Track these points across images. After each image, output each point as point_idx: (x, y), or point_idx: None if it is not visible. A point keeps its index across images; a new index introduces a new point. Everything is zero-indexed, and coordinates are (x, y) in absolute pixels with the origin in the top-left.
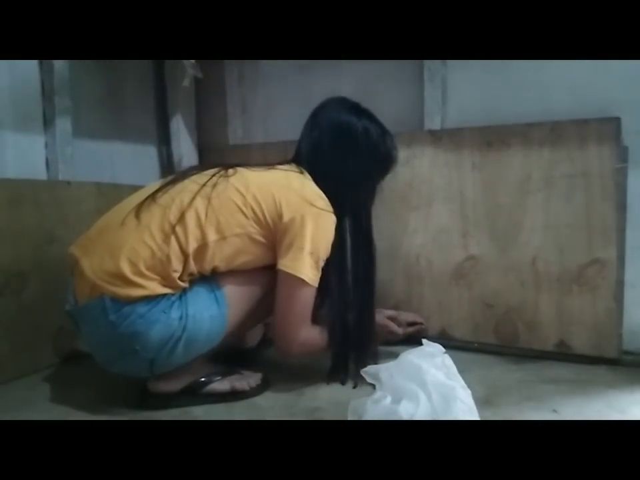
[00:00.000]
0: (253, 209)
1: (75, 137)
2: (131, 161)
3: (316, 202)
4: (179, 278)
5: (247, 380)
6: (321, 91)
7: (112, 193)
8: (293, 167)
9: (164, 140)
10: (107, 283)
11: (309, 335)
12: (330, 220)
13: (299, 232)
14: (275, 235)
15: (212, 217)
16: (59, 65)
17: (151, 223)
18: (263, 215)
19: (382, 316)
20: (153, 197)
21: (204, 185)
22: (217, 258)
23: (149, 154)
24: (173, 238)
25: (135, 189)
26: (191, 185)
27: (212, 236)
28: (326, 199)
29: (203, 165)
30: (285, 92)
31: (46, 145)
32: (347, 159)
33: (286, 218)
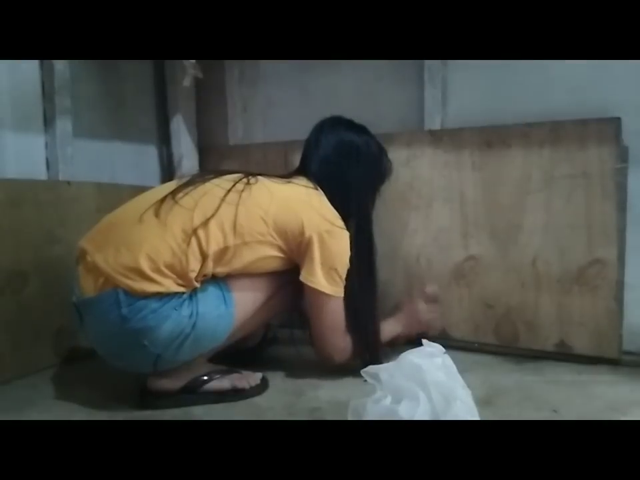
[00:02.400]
0: (274, 221)
1: (75, 137)
2: (131, 161)
3: (334, 221)
4: (195, 277)
5: (247, 379)
6: (320, 91)
7: (112, 193)
8: (306, 181)
9: (164, 140)
10: (123, 276)
11: (347, 342)
12: (347, 237)
13: (322, 249)
14: (295, 247)
15: (235, 222)
16: (59, 65)
17: (172, 223)
18: (284, 228)
19: (411, 299)
20: (173, 197)
21: (229, 190)
22: (236, 261)
23: (149, 154)
24: (194, 239)
25: (135, 188)
26: (214, 188)
27: (233, 240)
28: (340, 217)
29: (218, 170)
30: (285, 92)
31: (46, 145)
32: (353, 172)
33: (307, 234)
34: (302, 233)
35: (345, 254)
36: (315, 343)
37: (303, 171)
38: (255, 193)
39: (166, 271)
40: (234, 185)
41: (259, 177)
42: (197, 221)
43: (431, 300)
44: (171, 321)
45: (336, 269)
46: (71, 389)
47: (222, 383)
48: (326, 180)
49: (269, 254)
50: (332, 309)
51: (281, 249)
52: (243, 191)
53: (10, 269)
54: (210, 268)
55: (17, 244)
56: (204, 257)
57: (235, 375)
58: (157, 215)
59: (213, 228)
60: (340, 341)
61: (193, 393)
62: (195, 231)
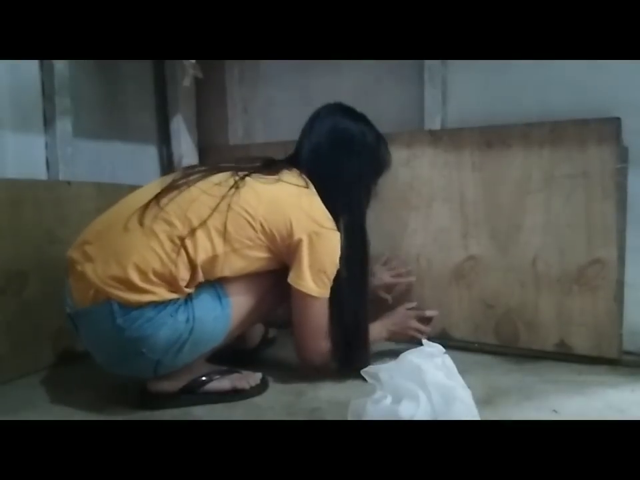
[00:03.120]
0: (262, 224)
1: (75, 137)
2: (131, 161)
3: (324, 222)
4: (186, 285)
5: (247, 379)
6: (320, 91)
7: (112, 193)
8: (297, 177)
9: (164, 140)
10: (114, 289)
11: (327, 345)
12: (336, 239)
13: (310, 251)
14: (283, 249)
15: (222, 230)
16: (60, 65)
17: (158, 232)
18: (271, 230)
19: (406, 313)
20: (157, 202)
21: (221, 199)
22: (226, 268)
23: (149, 154)
24: (182, 249)
25: (135, 189)
26: (201, 195)
27: (221, 248)
28: (331, 217)
29: (204, 168)
30: (285, 92)
31: (46, 145)
32: (345, 162)
33: (296, 237)
34: (290, 235)
35: (334, 255)
36: (296, 344)
37: (294, 158)
38: (243, 197)
39: (156, 280)
40: (225, 193)
41: (247, 178)
42: (185, 230)
43: (425, 321)
44: (167, 328)
45: (325, 272)
46: (70, 389)
47: (222, 383)
48: (316, 169)
49: (258, 256)
50: (317, 311)
51: (269, 250)
52: (229, 197)
53: (10, 269)
54: (200, 277)
55: (17, 244)
56: (193, 265)
57: (235, 375)
58: (141, 222)
59: (201, 237)
60: (322, 343)
61: (193, 393)
62: (182, 241)
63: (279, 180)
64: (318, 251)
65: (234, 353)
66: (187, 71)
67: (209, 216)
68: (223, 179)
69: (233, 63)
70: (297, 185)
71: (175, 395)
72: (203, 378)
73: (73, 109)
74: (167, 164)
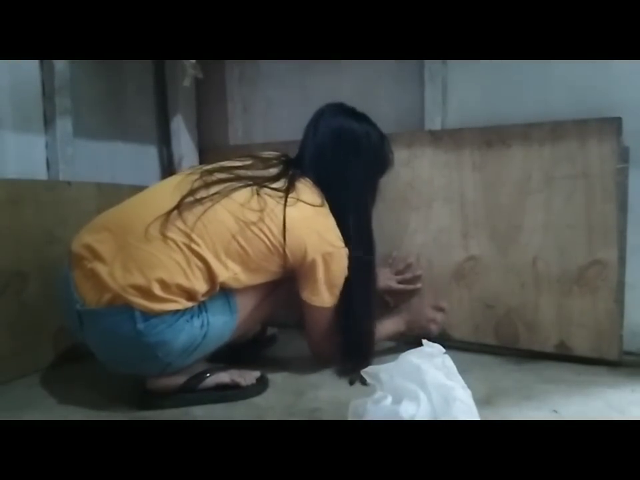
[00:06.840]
0: (278, 248)
1: (76, 137)
2: (131, 161)
3: (335, 242)
4: (202, 295)
5: (244, 376)
6: (320, 91)
7: (112, 193)
8: (312, 190)
9: (164, 140)
10: (136, 297)
11: (337, 338)
12: (345, 255)
13: (321, 270)
14: (297, 267)
15: (244, 254)
16: (60, 65)
17: (184, 249)
18: (286, 253)
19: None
20: (180, 215)
21: (245, 225)
22: (240, 283)
23: (149, 154)
24: (204, 267)
25: (135, 189)
26: (227, 219)
27: (240, 268)
28: (341, 236)
29: (223, 176)
30: (285, 92)
31: (46, 145)
32: (350, 162)
33: (309, 258)
34: (304, 257)
35: (344, 271)
36: (310, 344)
37: (298, 162)
38: (266, 223)
39: (178, 292)
40: (246, 224)
41: (268, 200)
42: (210, 251)
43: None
44: (185, 333)
45: (336, 286)
46: (70, 388)
47: (220, 377)
48: (322, 171)
49: (270, 271)
50: (327, 316)
51: (282, 266)
52: (254, 223)
53: (10, 269)
54: (216, 290)
55: (16, 244)
56: (214, 283)
57: (233, 371)
58: (163, 233)
59: (225, 259)
60: (332, 340)
61: (193, 390)
62: (207, 261)
63: (297, 201)
64: (331, 269)
65: (230, 351)
66: (187, 71)
67: (235, 240)
68: (246, 198)
69: (233, 63)
70: (313, 205)
71: (175, 393)
72: (202, 374)
73: (73, 108)
74: (167, 164)
